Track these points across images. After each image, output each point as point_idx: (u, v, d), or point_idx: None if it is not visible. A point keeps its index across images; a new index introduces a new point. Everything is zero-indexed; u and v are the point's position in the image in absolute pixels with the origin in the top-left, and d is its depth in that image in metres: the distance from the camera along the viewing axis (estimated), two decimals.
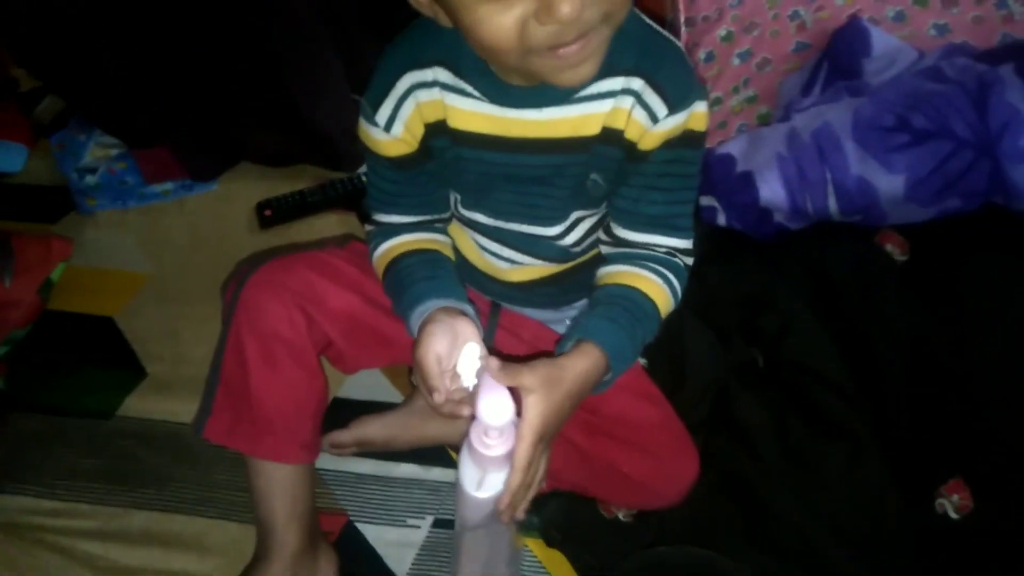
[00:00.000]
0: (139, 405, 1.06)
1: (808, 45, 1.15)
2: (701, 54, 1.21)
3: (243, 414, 0.82)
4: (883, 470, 0.86)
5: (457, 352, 0.69)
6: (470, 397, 0.68)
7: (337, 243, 0.93)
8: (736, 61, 1.19)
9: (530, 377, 0.66)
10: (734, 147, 1.05)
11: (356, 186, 1.28)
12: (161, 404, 1.05)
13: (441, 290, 0.75)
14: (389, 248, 0.81)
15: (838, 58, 1.08)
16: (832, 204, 0.97)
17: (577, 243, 0.82)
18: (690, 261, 0.79)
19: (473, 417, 0.66)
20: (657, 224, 0.77)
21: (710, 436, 0.90)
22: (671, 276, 0.77)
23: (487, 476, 0.68)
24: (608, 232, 0.80)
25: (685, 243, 0.78)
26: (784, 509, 0.86)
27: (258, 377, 0.81)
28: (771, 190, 0.99)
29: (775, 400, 0.92)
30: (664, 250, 0.77)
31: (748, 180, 1.00)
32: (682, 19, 1.27)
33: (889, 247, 0.98)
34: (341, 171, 1.31)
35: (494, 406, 0.64)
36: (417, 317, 0.73)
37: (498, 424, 0.64)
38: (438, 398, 0.68)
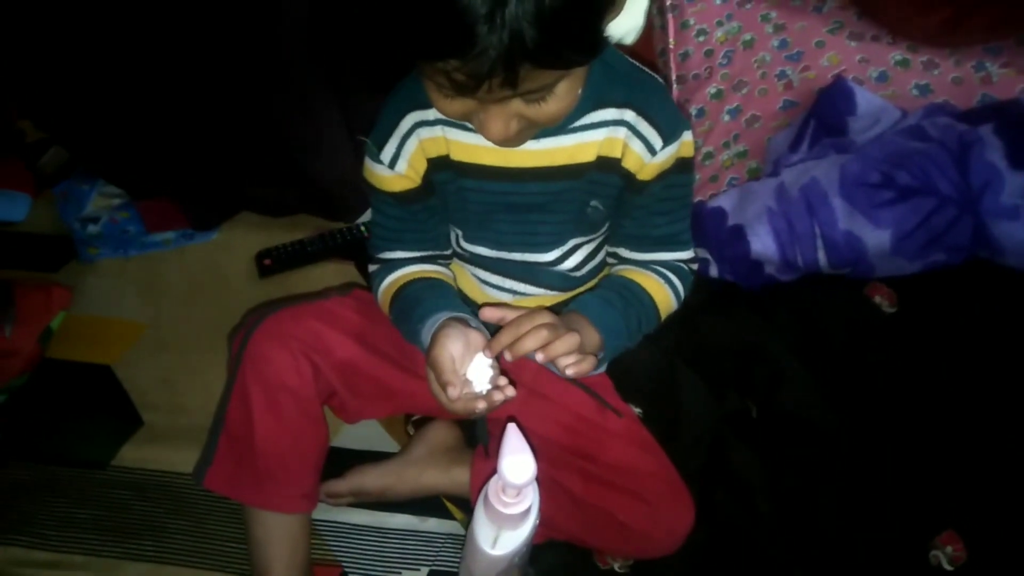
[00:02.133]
0: (135, 455, 1.05)
1: (795, 103, 1.18)
2: (692, 110, 1.25)
3: (245, 463, 0.83)
4: (876, 521, 0.86)
5: (469, 359, 0.70)
6: (483, 397, 0.69)
7: (340, 291, 0.95)
8: (726, 117, 1.22)
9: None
10: (725, 201, 1.07)
11: (355, 236, 1.30)
12: (157, 454, 1.05)
13: (450, 306, 0.78)
14: (394, 280, 0.83)
15: (824, 116, 1.11)
16: (822, 257, 0.99)
17: (576, 268, 0.85)
18: (695, 267, 0.87)
19: (492, 473, 0.67)
20: (662, 243, 0.83)
21: (705, 486, 0.90)
22: (672, 276, 0.83)
23: (502, 534, 0.69)
24: (615, 255, 0.86)
25: (688, 254, 0.85)
26: (778, 561, 0.86)
27: (262, 427, 0.81)
28: (762, 243, 1.01)
29: (769, 451, 0.93)
30: (669, 261, 0.84)
31: (739, 233, 1.02)
32: (674, 77, 1.31)
33: (878, 299, 0.99)
34: (340, 221, 1.33)
35: (516, 464, 0.64)
36: (429, 327, 0.75)
37: (519, 482, 0.64)
38: (452, 392, 0.68)
